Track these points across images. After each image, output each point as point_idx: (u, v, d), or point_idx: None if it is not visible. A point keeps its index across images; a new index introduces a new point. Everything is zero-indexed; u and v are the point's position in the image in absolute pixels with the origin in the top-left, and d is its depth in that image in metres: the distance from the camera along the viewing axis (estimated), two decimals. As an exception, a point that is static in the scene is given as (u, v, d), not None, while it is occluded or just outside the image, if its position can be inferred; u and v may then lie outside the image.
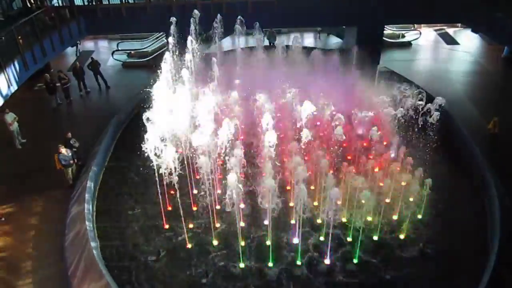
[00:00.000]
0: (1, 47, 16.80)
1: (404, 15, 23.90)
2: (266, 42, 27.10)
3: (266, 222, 13.68)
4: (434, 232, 13.71)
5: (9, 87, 16.96)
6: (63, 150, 15.98)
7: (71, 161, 16.36)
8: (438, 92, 20.43)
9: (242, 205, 14.40)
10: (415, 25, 30.49)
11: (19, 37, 18.14)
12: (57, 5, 22.80)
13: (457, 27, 31.79)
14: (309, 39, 30.23)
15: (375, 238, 13.45)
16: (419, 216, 14.12)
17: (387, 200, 14.40)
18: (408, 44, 29.35)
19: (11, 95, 17.20)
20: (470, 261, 12.70)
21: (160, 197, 14.08)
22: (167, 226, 14.21)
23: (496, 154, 16.92)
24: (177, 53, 19.40)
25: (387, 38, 27.94)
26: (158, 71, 16.64)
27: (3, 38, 17.45)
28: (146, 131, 12.49)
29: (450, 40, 30.16)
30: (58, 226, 14.69)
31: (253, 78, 18.99)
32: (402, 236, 13.51)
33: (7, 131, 18.62)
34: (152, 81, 16.05)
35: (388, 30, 29.11)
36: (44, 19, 20.66)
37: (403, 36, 29.83)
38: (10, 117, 18.43)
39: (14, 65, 17.41)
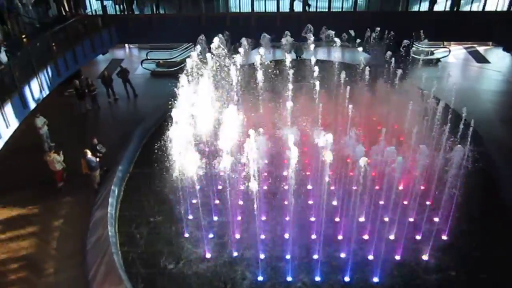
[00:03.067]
0: (35, 53, 17.35)
1: (433, 32, 23.70)
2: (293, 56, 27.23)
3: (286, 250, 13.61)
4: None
5: (41, 91, 17.49)
6: (90, 155, 16.29)
7: (97, 166, 16.66)
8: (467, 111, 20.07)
9: (263, 218, 14.38)
10: (444, 42, 30.14)
11: (53, 44, 18.73)
12: (91, 13, 23.43)
13: (488, 45, 31.25)
14: (336, 53, 30.12)
15: None
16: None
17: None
18: (436, 62, 29.00)
19: (42, 99, 17.71)
20: None
21: (182, 205, 14.19)
22: (187, 235, 14.27)
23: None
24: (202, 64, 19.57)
25: (415, 55, 27.65)
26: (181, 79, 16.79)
27: (38, 44, 18.06)
28: (171, 139, 12.58)
29: (480, 59, 29.65)
30: (81, 229, 14.96)
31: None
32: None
33: (36, 134, 19.08)
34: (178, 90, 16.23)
35: (417, 47, 28.84)
36: (77, 27, 21.30)
37: (432, 53, 29.49)
38: (40, 121, 18.91)
39: (47, 71, 18.00)
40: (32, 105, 16.91)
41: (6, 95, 15.07)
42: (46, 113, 19.35)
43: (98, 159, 16.70)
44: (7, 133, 14.93)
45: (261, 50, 20.06)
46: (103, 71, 23.45)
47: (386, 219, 13.52)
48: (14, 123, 15.47)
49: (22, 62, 16.59)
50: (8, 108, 15.01)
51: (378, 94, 19.26)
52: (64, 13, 23.12)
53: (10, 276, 13.45)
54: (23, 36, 19.54)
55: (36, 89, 17.08)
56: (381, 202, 14.12)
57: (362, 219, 14.21)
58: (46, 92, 17.91)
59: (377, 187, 14.49)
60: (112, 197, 15.27)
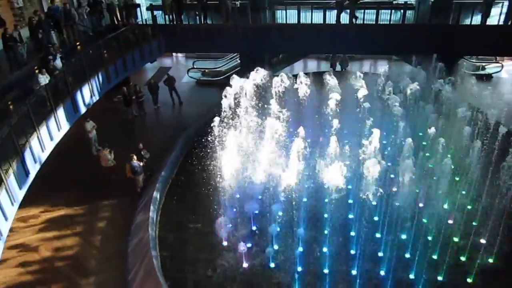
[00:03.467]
0: (88, 60, 18.06)
1: (485, 47, 22.91)
2: (338, 68, 27.05)
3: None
4: None
5: (91, 97, 18.14)
6: (135, 160, 16.72)
7: (141, 171, 17.06)
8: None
9: (302, 230, 14.24)
10: (496, 57, 29.01)
11: (105, 52, 19.43)
12: (141, 23, 24.15)
13: (545, 61, 29.81)
14: (382, 67, 29.64)
15: None
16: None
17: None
18: (488, 77, 27.93)
19: (93, 104, 18.37)
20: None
21: (222, 213, 14.27)
22: (225, 243, 14.32)
23: None
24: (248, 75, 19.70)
25: (466, 70, 26.78)
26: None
27: (91, 52, 18.79)
28: (215, 147, 12.71)
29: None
30: (123, 232, 15.33)
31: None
32: None
33: (86, 137, 19.78)
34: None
35: (468, 61, 27.94)
36: (128, 35, 22.01)
37: (484, 69, 28.45)
38: (89, 125, 19.59)
39: (98, 77, 18.65)
40: (83, 109, 17.55)
41: (59, 99, 15.72)
42: (95, 118, 20.03)
43: (142, 164, 17.11)
44: (58, 136, 15.53)
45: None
46: (150, 79, 24.06)
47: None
48: (65, 127, 16.09)
49: (75, 69, 17.29)
50: (61, 112, 15.64)
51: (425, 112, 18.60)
52: (116, 22, 23.95)
53: (54, 273, 13.95)
54: (78, 43, 20.41)
55: (87, 95, 17.73)
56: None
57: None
58: (96, 97, 18.56)
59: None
60: (154, 201, 15.56)
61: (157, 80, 25.75)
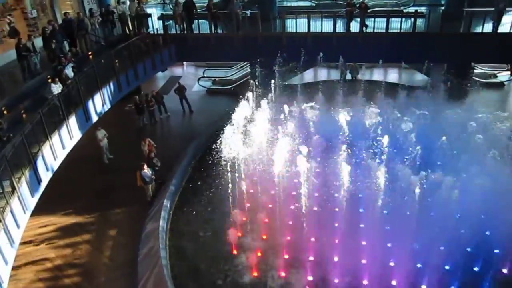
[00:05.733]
0: (100, 70, 18.25)
1: (497, 55, 22.74)
2: (349, 76, 27.04)
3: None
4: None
5: (103, 105, 18.30)
6: (146, 168, 16.78)
7: (152, 179, 17.12)
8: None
9: (312, 239, 14.14)
10: (509, 65, 28.75)
11: (116, 61, 19.62)
12: (153, 32, 24.37)
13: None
14: (392, 75, 29.59)
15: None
16: None
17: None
18: (500, 85, 27.69)
19: (104, 113, 18.52)
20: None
21: (232, 222, 14.25)
22: (235, 252, 14.28)
23: None
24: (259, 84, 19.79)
25: (477, 78, 26.59)
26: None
27: (102, 61, 18.98)
28: (224, 156, 12.73)
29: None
30: (133, 240, 15.34)
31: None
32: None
33: (97, 146, 19.92)
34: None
35: (479, 69, 27.74)
36: (139, 45, 22.21)
37: (495, 76, 28.23)
38: (101, 133, 19.74)
39: (109, 86, 18.82)
40: (95, 118, 17.70)
41: (71, 108, 15.89)
42: (106, 126, 20.17)
43: (153, 172, 17.17)
44: (70, 144, 15.66)
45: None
46: (152, 91, 24.18)
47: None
48: (77, 135, 16.23)
49: (87, 78, 17.48)
50: (73, 121, 15.79)
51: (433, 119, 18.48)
52: (128, 32, 24.20)
53: (64, 281, 14.00)
54: (90, 53, 20.64)
55: (98, 103, 17.88)
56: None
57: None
58: (107, 106, 18.71)
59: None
60: (164, 210, 15.59)
61: (160, 91, 25.87)
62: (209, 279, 13.37)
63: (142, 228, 15.75)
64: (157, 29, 24.90)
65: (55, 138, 14.51)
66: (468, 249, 13.32)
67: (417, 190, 12.29)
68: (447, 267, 12.97)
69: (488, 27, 22.89)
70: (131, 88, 21.44)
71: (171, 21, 25.59)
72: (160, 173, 17.98)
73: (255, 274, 13.39)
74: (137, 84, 22.80)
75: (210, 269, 13.71)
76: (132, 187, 17.19)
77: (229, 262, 13.94)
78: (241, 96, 18.45)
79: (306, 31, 23.39)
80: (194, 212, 16.31)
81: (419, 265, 13.01)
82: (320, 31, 23.67)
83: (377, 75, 28.87)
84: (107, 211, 17.04)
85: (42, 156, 13.61)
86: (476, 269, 13.01)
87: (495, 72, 28.33)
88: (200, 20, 24.78)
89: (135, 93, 23.32)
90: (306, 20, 23.44)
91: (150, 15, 25.48)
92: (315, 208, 14.87)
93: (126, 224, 16.41)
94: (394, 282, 12.58)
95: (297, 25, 23.86)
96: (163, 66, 24.89)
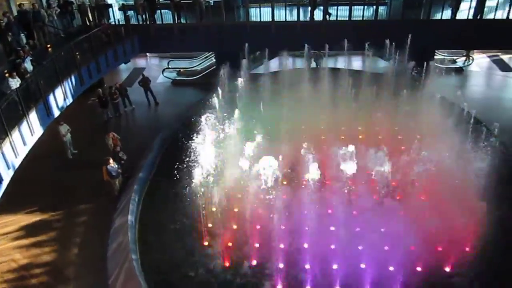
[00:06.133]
0: (60, 62, 17.72)
1: (456, 41, 23.42)
2: (313, 64, 27.22)
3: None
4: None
5: (65, 99, 17.83)
6: (111, 162, 16.50)
7: (118, 173, 16.85)
8: (490, 120, 19.71)
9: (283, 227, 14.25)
10: (467, 50, 29.67)
11: (77, 53, 19.11)
12: (114, 23, 23.83)
13: (513, 53, 30.67)
14: (356, 62, 29.98)
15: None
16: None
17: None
18: (460, 70, 28.56)
19: (66, 107, 18.05)
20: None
21: (202, 213, 14.21)
22: (206, 243, 14.27)
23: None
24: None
25: (438, 64, 27.33)
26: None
27: (62, 53, 18.44)
28: (191, 147, 12.69)
29: (505, 67, 29.08)
30: (101, 236, 15.10)
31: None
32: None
33: (60, 141, 19.41)
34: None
35: (439, 55, 28.48)
36: (101, 36, 21.69)
37: (455, 62, 29.09)
38: (64, 128, 19.24)
39: (70, 79, 18.33)
40: (56, 112, 17.23)
41: (31, 103, 15.38)
42: (69, 121, 19.67)
43: (119, 166, 16.90)
44: (31, 140, 15.20)
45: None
46: (115, 83, 23.71)
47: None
48: (39, 131, 15.77)
49: (47, 71, 16.94)
50: (33, 116, 15.30)
51: (399, 103, 19.02)
52: (88, 23, 23.58)
53: (31, 281, 13.64)
54: (48, 46, 19.99)
55: (60, 97, 17.41)
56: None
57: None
58: (69, 100, 18.25)
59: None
60: (132, 204, 15.40)
61: (123, 83, 25.36)
62: (181, 271, 13.31)
63: (110, 224, 15.51)
64: (118, 20, 24.38)
65: (15, 134, 14.03)
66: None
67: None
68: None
69: (447, 14, 23.51)
70: (94, 81, 21.00)
71: (132, 11, 25.08)
72: (126, 166, 17.73)
73: (227, 264, 13.43)
74: (100, 77, 22.34)
75: (182, 261, 13.66)
76: (98, 182, 16.88)
77: (201, 253, 13.93)
78: (207, 87, 18.33)
79: (270, 20, 23.40)
80: (163, 205, 16.17)
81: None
82: (284, 19, 23.73)
83: (341, 63, 29.19)
84: (73, 208, 16.67)
85: (2, 154, 13.14)
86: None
87: (455, 57, 29.19)
88: (163, 10, 24.40)
89: (98, 86, 22.82)
90: (270, 9, 23.44)
91: (110, 5, 24.92)
92: (284, 196, 15.01)
93: (94, 220, 16.12)
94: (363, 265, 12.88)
95: (261, 14, 23.83)
96: (126, 57, 24.42)
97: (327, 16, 23.76)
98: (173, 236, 14.76)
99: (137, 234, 14.74)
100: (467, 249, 13.40)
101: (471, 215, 13.04)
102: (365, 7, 23.54)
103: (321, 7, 24.00)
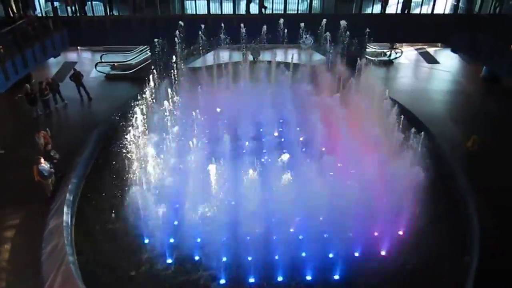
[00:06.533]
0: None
1: (386, 34, 24.46)
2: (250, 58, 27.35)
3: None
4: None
5: (-12, 96, 16.76)
6: (43, 162, 15.72)
7: (51, 173, 16.10)
8: (418, 110, 20.86)
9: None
10: (396, 43, 31.08)
11: (1, 47, 18.00)
12: (41, 15, 22.66)
13: (437, 47, 32.48)
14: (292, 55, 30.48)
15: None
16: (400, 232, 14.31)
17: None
18: (389, 63, 29.85)
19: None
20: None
21: (140, 211, 13.92)
22: (147, 240, 14.01)
23: (475, 170, 17.30)
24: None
25: (369, 56, 28.41)
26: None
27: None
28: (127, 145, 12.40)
29: (431, 59, 30.78)
30: (34, 240, 14.34)
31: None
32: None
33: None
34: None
35: (370, 48, 29.59)
36: (27, 29, 20.52)
37: (385, 54, 30.35)
38: (-12, 127, 18.11)
39: (-6, 75, 17.25)
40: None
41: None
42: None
43: (51, 166, 16.15)
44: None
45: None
46: (47, 78, 22.58)
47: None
48: (-40, 130, 14.74)
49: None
50: (-47, 115, 14.28)
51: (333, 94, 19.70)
52: (12, 15, 22.22)
53: (-42, 291, 12.79)
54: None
55: (-18, 94, 16.36)
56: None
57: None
58: (-6, 97, 17.20)
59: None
60: (67, 204, 14.79)
61: (55, 78, 24.21)
62: (122, 271, 13.02)
63: (44, 226, 14.79)
64: (46, 12, 23.16)
65: None
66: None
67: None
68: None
69: (377, 9, 24.47)
70: (20, 76, 19.93)
71: (61, 3, 23.95)
72: (59, 166, 16.96)
73: (169, 261, 13.29)
74: (27, 72, 21.22)
75: (122, 261, 13.36)
76: (29, 183, 16.03)
77: (142, 251, 13.69)
78: (142, 81, 17.92)
79: (206, 12, 23.23)
80: (99, 204, 15.68)
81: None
82: (220, 12, 23.64)
83: (277, 56, 29.57)
84: (2, 211, 15.71)
85: None
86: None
87: (385, 50, 30.46)
88: (93, 2, 23.51)
89: (25, 82, 21.58)
90: (205, 1, 23.26)
91: (36, -4, 23.65)
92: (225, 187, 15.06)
93: (25, 223, 15.28)
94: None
95: (196, 6, 23.59)
96: (55, 51, 23.31)
97: (263, 10, 23.94)
98: (113, 235, 14.39)
99: (73, 235, 14.21)
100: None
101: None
102: (300, 0, 23.96)
103: (257, 1, 24.14)
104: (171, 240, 13.94)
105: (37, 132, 17.87)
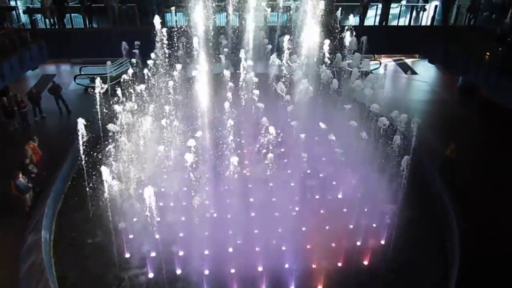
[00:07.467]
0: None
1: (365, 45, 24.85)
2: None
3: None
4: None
5: (-36, 110, 16.44)
6: (21, 176, 15.44)
7: (29, 188, 15.81)
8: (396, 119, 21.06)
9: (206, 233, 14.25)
10: (375, 55, 31.57)
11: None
12: (19, 27, 22.43)
13: (415, 57, 33.15)
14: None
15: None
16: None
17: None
18: (368, 74, 30.23)
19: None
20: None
21: (121, 225, 13.75)
22: (128, 255, 13.84)
23: (453, 178, 17.60)
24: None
25: (347, 67, 28.75)
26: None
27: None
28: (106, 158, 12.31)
29: (408, 70, 31.36)
30: (11, 256, 14.02)
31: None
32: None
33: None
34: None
35: (349, 59, 29.97)
36: (4, 41, 20.27)
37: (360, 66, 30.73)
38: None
39: (-30, 88, 16.95)
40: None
41: None
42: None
43: (30, 180, 15.87)
44: None
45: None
46: (31, 88, 22.25)
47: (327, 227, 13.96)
48: None
49: None
50: None
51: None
52: (-13, 27, 21.97)
53: None
54: None
55: (-42, 108, 16.03)
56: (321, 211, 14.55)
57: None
58: (-31, 110, 16.87)
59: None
60: (46, 219, 14.52)
61: (38, 90, 23.89)
62: (103, 286, 12.79)
63: (22, 242, 14.47)
64: (23, 24, 22.92)
65: None
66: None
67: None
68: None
69: (356, 21, 24.87)
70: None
71: (39, 15, 23.73)
72: (37, 180, 16.67)
73: (151, 275, 13.14)
74: (4, 85, 20.85)
75: (104, 276, 13.15)
76: (6, 198, 15.69)
77: (123, 265, 13.51)
78: (121, 94, 17.81)
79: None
80: (79, 219, 15.43)
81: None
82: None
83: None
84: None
85: None
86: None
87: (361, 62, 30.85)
88: (72, 14, 23.37)
89: (2, 94, 21.22)
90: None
91: (14, 8, 23.37)
92: (207, 202, 15.01)
93: (3, 239, 14.94)
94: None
95: (178, 19, 23.65)
96: (33, 64, 23.05)
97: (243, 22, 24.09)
98: (93, 250, 14.19)
99: (52, 250, 13.96)
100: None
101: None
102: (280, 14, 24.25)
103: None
104: (153, 254, 13.78)
105: (26, 143, 17.61)
